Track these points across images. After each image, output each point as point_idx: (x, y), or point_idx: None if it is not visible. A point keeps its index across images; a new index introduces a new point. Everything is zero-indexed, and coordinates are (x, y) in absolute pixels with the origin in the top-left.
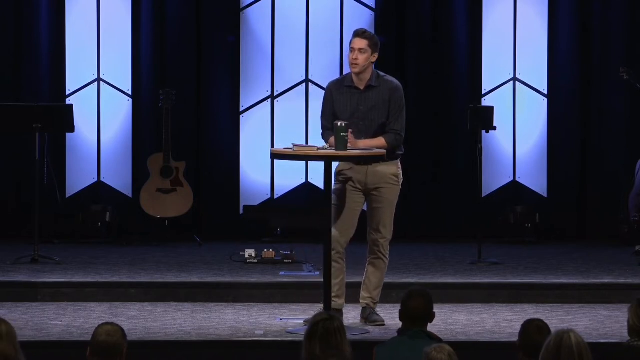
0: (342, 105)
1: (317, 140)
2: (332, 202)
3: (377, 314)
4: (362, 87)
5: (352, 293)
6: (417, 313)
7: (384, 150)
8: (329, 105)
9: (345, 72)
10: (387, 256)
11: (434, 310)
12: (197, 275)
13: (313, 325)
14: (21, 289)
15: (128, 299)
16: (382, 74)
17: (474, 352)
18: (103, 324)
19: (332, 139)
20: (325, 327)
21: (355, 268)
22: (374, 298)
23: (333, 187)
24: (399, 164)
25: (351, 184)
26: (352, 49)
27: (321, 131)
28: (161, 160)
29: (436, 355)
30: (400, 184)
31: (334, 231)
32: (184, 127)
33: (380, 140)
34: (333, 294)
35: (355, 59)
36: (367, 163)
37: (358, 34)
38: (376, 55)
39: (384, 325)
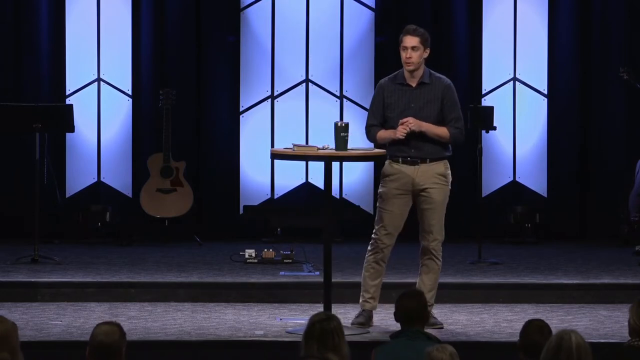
0: (393, 102)
1: (316, 140)
2: (378, 205)
3: (434, 317)
4: (414, 85)
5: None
6: (411, 314)
7: (384, 150)
8: (379, 103)
9: (345, 72)
10: (440, 258)
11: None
12: (197, 275)
13: (310, 326)
14: (21, 289)
15: (128, 299)
16: (433, 72)
17: (474, 352)
18: (101, 323)
19: (381, 133)
20: (323, 328)
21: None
22: (429, 300)
23: (380, 189)
24: (447, 164)
25: (398, 187)
26: (404, 48)
27: (366, 130)
28: (161, 160)
29: (438, 355)
30: (449, 184)
31: (380, 234)
32: (184, 127)
33: (444, 130)
34: (369, 295)
35: (409, 57)
36: (414, 164)
37: (409, 31)
38: (428, 51)
39: (442, 328)
